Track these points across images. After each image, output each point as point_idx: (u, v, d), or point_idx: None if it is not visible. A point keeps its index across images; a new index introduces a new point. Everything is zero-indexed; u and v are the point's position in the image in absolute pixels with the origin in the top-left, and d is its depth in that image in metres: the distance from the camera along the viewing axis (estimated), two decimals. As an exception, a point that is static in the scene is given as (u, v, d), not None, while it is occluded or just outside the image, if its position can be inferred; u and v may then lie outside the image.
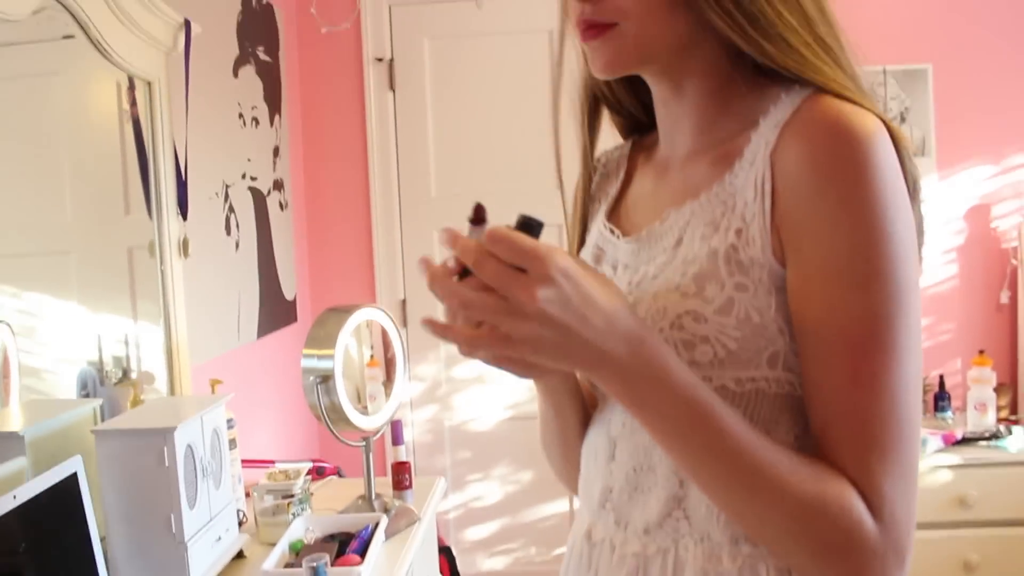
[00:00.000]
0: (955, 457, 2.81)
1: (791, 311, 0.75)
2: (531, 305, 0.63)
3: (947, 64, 3.08)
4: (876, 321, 0.71)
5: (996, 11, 3.08)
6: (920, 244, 0.79)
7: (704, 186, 0.82)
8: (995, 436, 2.87)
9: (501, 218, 0.67)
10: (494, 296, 0.64)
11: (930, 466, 2.78)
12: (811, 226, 0.73)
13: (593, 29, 0.79)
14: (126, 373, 1.82)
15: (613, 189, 0.96)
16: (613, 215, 0.93)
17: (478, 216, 0.68)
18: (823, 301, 0.73)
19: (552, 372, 0.73)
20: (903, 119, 3.07)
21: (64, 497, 1.34)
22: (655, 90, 0.88)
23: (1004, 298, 3.12)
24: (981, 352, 2.99)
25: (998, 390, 2.97)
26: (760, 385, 0.77)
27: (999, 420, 2.97)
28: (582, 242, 0.96)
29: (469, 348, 0.67)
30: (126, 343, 1.85)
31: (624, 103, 0.96)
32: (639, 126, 0.97)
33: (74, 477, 1.37)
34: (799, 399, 0.77)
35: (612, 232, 0.90)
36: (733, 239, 0.77)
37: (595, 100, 0.95)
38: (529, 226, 0.66)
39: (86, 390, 1.71)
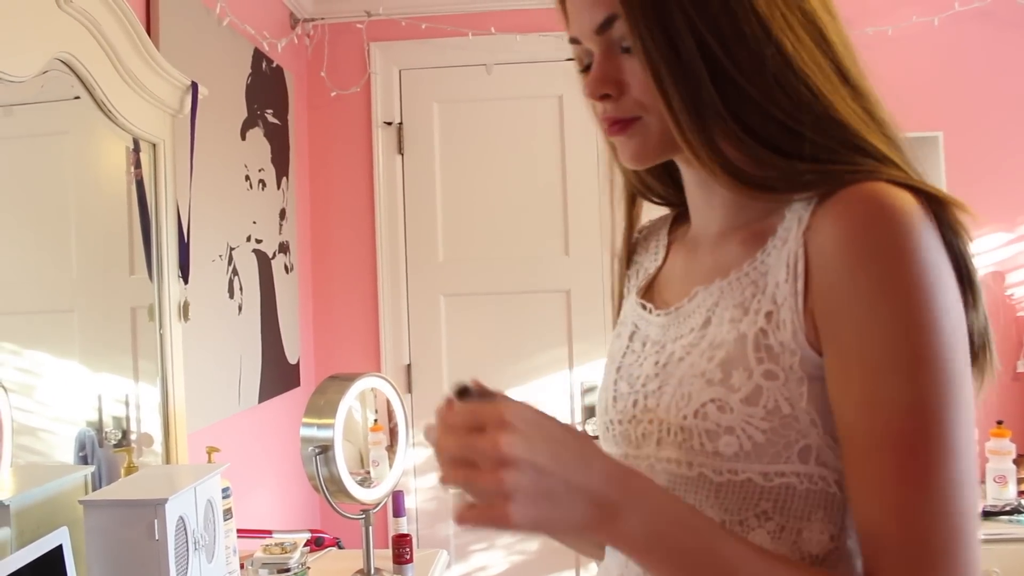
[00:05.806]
0: (976, 533, 2.71)
1: (832, 402, 0.70)
2: (496, 451, 0.62)
3: (958, 132, 3.06)
4: (924, 414, 0.65)
5: (1006, 80, 3.07)
6: (987, 340, 0.74)
7: (735, 265, 0.78)
8: (1017, 510, 2.77)
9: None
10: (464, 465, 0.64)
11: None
12: (848, 312, 0.68)
13: (616, 125, 0.79)
14: (125, 435, 1.78)
15: (651, 263, 0.93)
16: (649, 290, 0.90)
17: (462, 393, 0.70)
18: (865, 392, 0.67)
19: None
20: (914, 186, 3.04)
21: (48, 571, 1.29)
22: (686, 173, 0.85)
23: (1021, 367, 3.06)
24: (999, 423, 2.91)
25: (1018, 462, 2.89)
26: (790, 480, 0.71)
27: (1020, 493, 2.88)
28: (618, 314, 0.94)
29: (462, 524, 0.65)
30: (126, 404, 1.81)
31: (654, 189, 0.94)
32: (673, 204, 0.96)
33: (59, 550, 1.31)
34: (834, 496, 0.72)
35: (644, 307, 0.88)
36: (763, 323, 0.72)
37: (631, 190, 0.95)
38: (466, 392, 0.68)
39: (83, 452, 1.66)
